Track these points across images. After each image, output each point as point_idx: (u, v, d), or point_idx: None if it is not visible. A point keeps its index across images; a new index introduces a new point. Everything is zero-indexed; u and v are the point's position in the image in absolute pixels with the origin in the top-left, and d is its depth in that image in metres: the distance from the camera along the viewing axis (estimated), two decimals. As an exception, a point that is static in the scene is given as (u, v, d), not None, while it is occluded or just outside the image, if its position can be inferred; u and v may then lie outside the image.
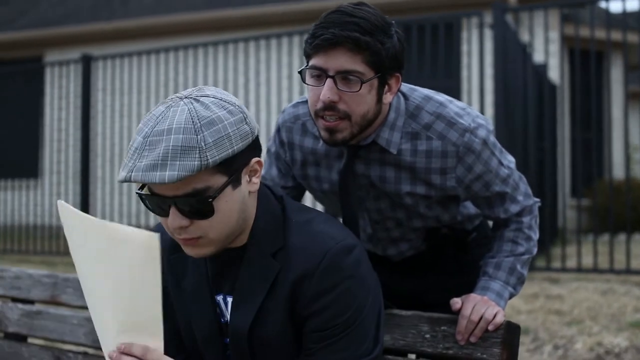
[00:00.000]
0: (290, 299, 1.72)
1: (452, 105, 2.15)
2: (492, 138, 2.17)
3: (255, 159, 1.70)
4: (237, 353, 1.79)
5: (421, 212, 2.24)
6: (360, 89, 1.95)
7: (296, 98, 9.78)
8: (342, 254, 1.72)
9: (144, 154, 1.57)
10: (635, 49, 12.80)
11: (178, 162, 1.54)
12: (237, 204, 1.68)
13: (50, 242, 10.37)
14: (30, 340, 2.81)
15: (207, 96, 1.64)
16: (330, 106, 1.96)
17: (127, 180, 1.57)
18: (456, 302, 2.08)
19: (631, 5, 31.84)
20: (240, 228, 1.73)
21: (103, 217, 10.37)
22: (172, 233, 1.70)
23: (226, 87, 9.84)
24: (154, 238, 1.53)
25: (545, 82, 8.97)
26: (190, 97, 1.63)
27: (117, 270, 1.59)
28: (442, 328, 2.10)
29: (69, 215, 1.67)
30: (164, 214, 1.67)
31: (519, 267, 2.23)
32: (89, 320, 2.59)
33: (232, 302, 1.78)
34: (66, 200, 9.92)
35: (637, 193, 9.39)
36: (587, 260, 7.61)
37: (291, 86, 9.10)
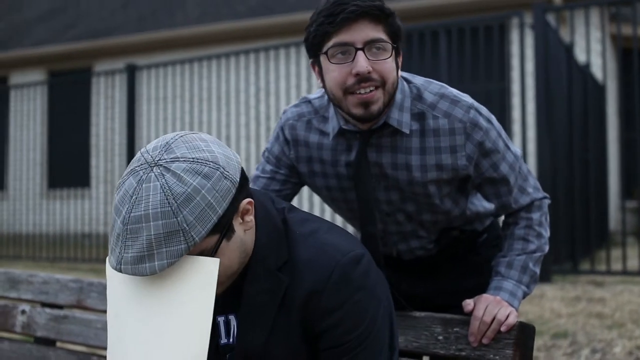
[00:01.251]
0: (301, 315, 1.69)
1: (451, 88, 2.18)
2: (496, 121, 2.18)
3: (244, 202, 1.64)
4: None
5: (431, 203, 2.22)
6: (390, 55, 2.01)
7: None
8: (351, 266, 1.69)
9: (127, 244, 1.52)
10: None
11: (164, 250, 1.50)
12: (236, 251, 1.65)
13: (98, 250, 10.53)
14: (58, 344, 2.84)
15: (178, 160, 1.55)
16: (366, 77, 1.99)
17: (119, 271, 1.54)
18: (468, 303, 2.07)
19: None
20: (244, 261, 1.70)
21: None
22: None
23: (268, 94, 9.88)
24: (214, 263, 1.53)
25: (589, 82, 8.84)
26: (160, 165, 1.54)
27: (167, 306, 1.56)
28: (455, 329, 2.08)
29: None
30: None
31: (531, 265, 2.20)
32: (112, 324, 2.62)
33: (239, 321, 1.73)
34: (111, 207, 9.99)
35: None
36: (633, 263, 7.48)
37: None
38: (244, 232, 1.67)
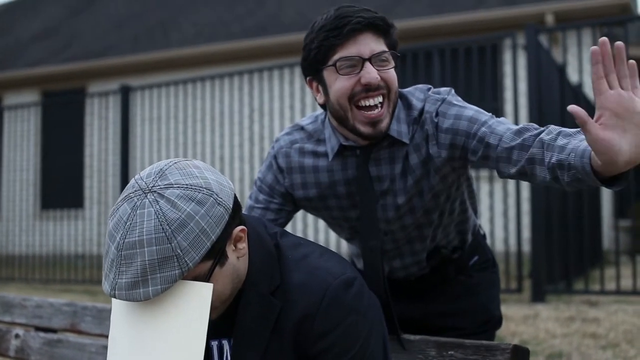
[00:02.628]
0: (294, 339, 1.70)
1: (435, 89, 2.23)
2: (466, 103, 2.16)
3: (237, 229, 1.66)
4: None
5: (426, 208, 2.22)
6: (395, 64, 2.08)
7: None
8: (343, 289, 1.70)
9: (121, 269, 1.53)
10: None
11: (158, 276, 1.51)
12: (229, 277, 1.66)
13: (92, 271, 10.50)
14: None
15: (172, 186, 1.57)
16: (376, 87, 2.04)
17: (113, 296, 1.55)
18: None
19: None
20: (237, 286, 1.71)
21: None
22: None
23: (262, 115, 9.91)
24: (208, 288, 1.54)
25: (582, 101, 8.88)
26: (154, 192, 1.56)
27: (161, 330, 1.56)
28: (450, 352, 2.08)
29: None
30: None
31: None
32: (106, 348, 2.61)
33: (233, 346, 1.74)
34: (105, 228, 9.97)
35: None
36: (627, 282, 7.48)
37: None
38: (237, 259, 1.68)
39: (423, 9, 13.84)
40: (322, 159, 2.23)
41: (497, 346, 2.01)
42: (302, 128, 2.30)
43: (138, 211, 1.54)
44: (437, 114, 2.12)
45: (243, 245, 1.69)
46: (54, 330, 2.83)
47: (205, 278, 1.59)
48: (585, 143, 1.71)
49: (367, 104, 2.04)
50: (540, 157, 1.85)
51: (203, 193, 1.58)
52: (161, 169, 1.62)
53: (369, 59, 2.02)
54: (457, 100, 2.15)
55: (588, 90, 10.60)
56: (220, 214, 1.58)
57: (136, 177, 1.63)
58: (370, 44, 2.03)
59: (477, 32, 12.40)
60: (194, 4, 17.14)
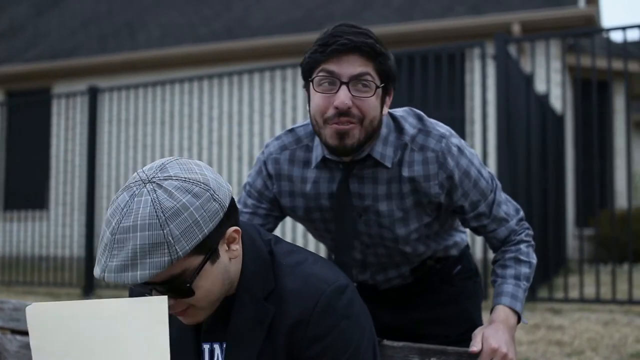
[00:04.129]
0: (287, 344, 1.73)
1: (427, 117, 2.25)
2: (469, 149, 2.24)
3: (231, 229, 1.70)
4: None
5: (406, 236, 2.27)
6: (374, 93, 2.05)
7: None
8: (336, 296, 1.73)
9: (113, 253, 1.56)
10: (637, 78, 12.84)
11: (148, 261, 1.54)
12: (219, 276, 1.69)
13: (55, 274, 10.40)
14: (28, 372, 2.82)
15: (171, 178, 1.62)
16: (345, 112, 2.03)
17: (102, 279, 1.58)
18: (475, 344, 2.04)
19: (631, 35, 31.90)
20: (227, 289, 1.73)
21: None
22: None
23: (230, 118, 9.91)
24: (162, 301, 1.55)
25: (548, 112, 9.00)
26: (154, 182, 1.61)
27: (118, 350, 1.55)
28: (432, 359, 2.12)
29: (46, 314, 1.60)
30: (150, 293, 1.68)
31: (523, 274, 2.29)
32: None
33: (226, 349, 1.77)
34: (72, 232, 9.89)
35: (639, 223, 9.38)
36: (590, 291, 7.60)
37: (295, 118, 9.15)
38: (229, 260, 1.71)
39: (391, 16, 13.92)
40: (310, 169, 2.25)
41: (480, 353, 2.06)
42: (292, 130, 2.32)
43: (135, 199, 1.59)
44: (447, 161, 2.15)
45: (236, 247, 1.72)
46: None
47: (195, 273, 1.62)
48: (506, 287, 2.23)
49: (337, 124, 2.06)
50: (494, 247, 2.35)
51: (200, 187, 1.62)
52: (162, 163, 1.67)
53: (347, 83, 2.02)
54: (468, 152, 2.22)
55: (554, 101, 10.75)
56: (215, 209, 1.63)
57: (138, 170, 1.68)
58: (353, 66, 2.03)
59: (444, 40, 12.50)
60: (159, 5, 17.07)
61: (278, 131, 10.27)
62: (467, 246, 2.62)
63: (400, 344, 2.16)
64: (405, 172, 2.17)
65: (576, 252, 10.85)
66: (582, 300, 7.03)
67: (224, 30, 15.15)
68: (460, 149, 2.19)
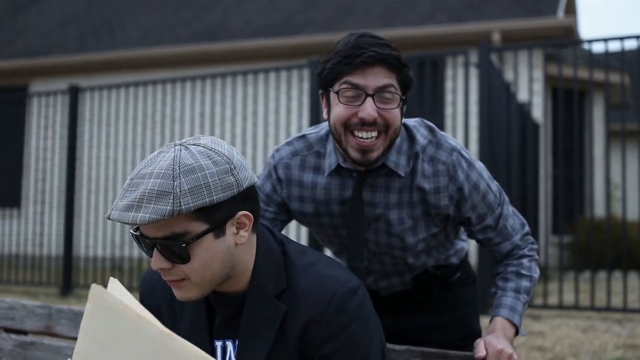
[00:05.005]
0: (299, 343, 1.75)
1: (438, 129, 2.28)
2: (479, 163, 2.29)
3: (242, 212, 1.71)
4: None
5: (414, 245, 2.31)
6: (399, 104, 2.09)
7: (282, 132, 9.97)
8: (348, 296, 1.75)
9: (126, 195, 1.63)
10: (616, 89, 13.01)
11: (152, 206, 1.59)
12: (220, 254, 1.70)
13: (32, 273, 10.32)
14: (22, 371, 2.82)
15: (198, 145, 1.69)
16: (371, 123, 2.06)
17: (108, 217, 1.63)
18: (480, 350, 2.08)
19: (613, 46, 32.32)
20: (227, 275, 1.74)
21: (86, 248, 10.35)
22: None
23: (212, 120, 9.91)
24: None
25: (528, 120, 9.09)
26: (183, 144, 1.68)
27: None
28: (434, 362, 2.15)
29: (107, 302, 1.56)
30: (150, 254, 1.71)
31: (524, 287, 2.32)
32: (83, 351, 2.62)
33: (238, 347, 1.79)
34: (47, 230, 9.77)
35: (618, 231, 9.49)
36: (569, 297, 7.69)
37: (278, 120, 9.17)
38: (235, 244, 1.73)
39: (372, 22, 13.97)
40: (321, 175, 2.28)
41: (482, 358, 2.10)
42: (303, 136, 2.34)
43: (161, 154, 1.68)
44: (457, 174, 2.19)
45: (245, 234, 1.74)
46: (25, 333, 2.81)
47: (195, 237, 1.65)
48: (505, 300, 2.25)
49: (361, 135, 2.09)
50: (497, 260, 2.37)
51: (222, 158, 1.68)
52: (197, 135, 1.76)
53: (372, 95, 2.05)
54: (478, 165, 2.27)
55: (535, 111, 10.85)
56: (229, 183, 1.67)
57: None
58: (378, 78, 2.06)
59: (424, 47, 12.58)
60: (138, 6, 17.00)
61: (261, 135, 10.29)
62: (466, 254, 2.66)
63: (403, 347, 2.18)
64: (416, 182, 2.21)
65: (553, 259, 10.95)
66: (561, 307, 7.11)
67: (204, 32, 15.13)
68: (470, 163, 2.23)
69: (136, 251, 11.44)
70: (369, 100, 2.05)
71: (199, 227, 1.65)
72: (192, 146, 1.68)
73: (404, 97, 2.11)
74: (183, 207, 1.60)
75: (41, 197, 11.14)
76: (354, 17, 14.36)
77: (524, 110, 9.49)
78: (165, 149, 1.69)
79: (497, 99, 7.81)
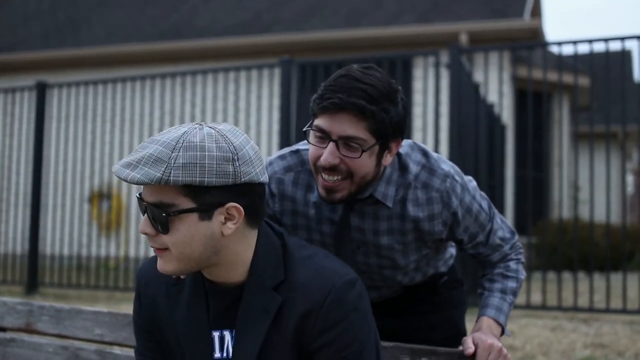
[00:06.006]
0: (296, 334, 1.77)
1: (432, 153, 2.27)
2: (472, 185, 2.30)
3: (233, 204, 1.72)
4: None
5: (405, 266, 2.35)
6: (360, 156, 2.03)
7: (252, 131, 9.96)
8: (347, 288, 1.77)
9: (132, 154, 1.70)
10: (582, 91, 13.17)
11: (145, 169, 1.65)
12: (202, 236, 1.72)
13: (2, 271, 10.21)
14: (2, 368, 2.79)
15: (213, 128, 1.73)
16: (331, 168, 2.04)
17: (113, 171, 1.69)
18: (469, 346, 2.10)
19: (581, 49, 32.59)
20: (210, 260, 1.76)
21: (52, 246, 10.24)
22: None
23: (182, 118, 9.87)
24: None
25: (495, 122, 9.18)
26: (200, 125, 1.74)
27: None
28: (423, 359, 2.17)
29: None
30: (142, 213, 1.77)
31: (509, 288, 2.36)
32: (64, 348, 2.61)
33: (235, 337, 1.81)
34: (12, 229, 9.60)
35: (583, 232, 9.61)
36: (536, 298, 7.78)
37: (248, 119, 9.16)
38: (222, 233, 1.74)
39: (339, 22, 14.01)
40: (313, 194, 2.27)
41: (471, 354, 2.12)
42: (297, 152, 2.32)
43: (179, 128, 1.73)
44: (451, 200, 2.20)
45: (232, 226, 1.74)
46: (3, 329, 2.79)
47: (178, 212, 1.69)
48: (492, 300, 2.31)
49: (324, 176, 2.08)
50: (484, 266, 2.42)
51: (229, 147, 1.70)
52: (223, 122, 1.81)
53: (336, 141, 2.02)
54: (471, 187, 2.29)
55: (498, 110, 10.95)
56: (227, 172, 1.69)
57: None
58: (344, 125, 2.00)
59: (392, 47, 12.64)
60: (104, 4, 16.87)
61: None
62: (452, 257, 2.69)
63: (391, 344, 2.20)
64: (408, 211, 2.21)
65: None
66: (528, 306, 7.19)
67: (171, 30, 15.06)
68: (463, 186, 2.24)
69: (103, 250, 11.36)
70: (331, 145, 2.02)
71: (185, 203, 1.69)
72: (207, 128, 1.72)
73: (371, 146, 2.04)
74: (171, 178, 1.64)
75: (6, 195, 11.00)
76: (321, 17, 14.39)
77: (491, 112, 9.58)
78: (186, 125, 1.75)
79: (466, 100, 7.88)
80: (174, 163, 1.64)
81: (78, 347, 2.59)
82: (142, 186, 1.73)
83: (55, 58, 14.69)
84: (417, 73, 9.95)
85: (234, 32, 14.26)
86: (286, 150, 2.35)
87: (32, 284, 9.37)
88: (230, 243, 1.76)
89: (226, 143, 1.70)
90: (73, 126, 10.57)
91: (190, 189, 1.67)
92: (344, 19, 14.13)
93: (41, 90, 9.78)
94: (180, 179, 1.64)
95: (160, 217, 1.69)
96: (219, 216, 1.72)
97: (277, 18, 14.66)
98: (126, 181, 1.66)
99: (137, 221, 10.54)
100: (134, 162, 1.66)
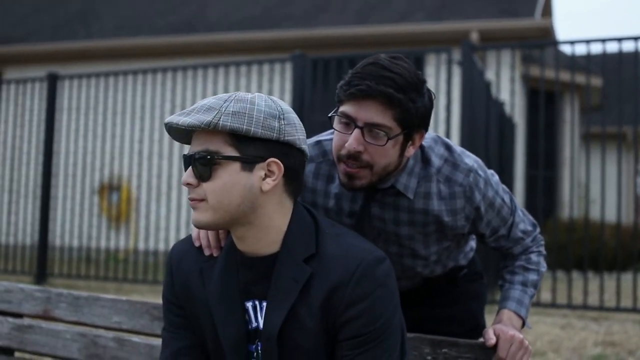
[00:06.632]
0: (323, 307, 1.79)
1: (456, 147, 2.27)
2: (495, 179, 2.29)
3: (273, 160, 1.80)
4: (268, 357, 1.84)
5: (425, 256, 2.35)
6: (385, 143, 2.03)
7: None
8: (375, 264, 1.81)
9: (190, 107, 1.81)
10: (593, 91, 13.14)
11: (197, 115, 1.76)
12: (241, 187, 1.79)
13: (6, 262, 10.22)
14: (19, 354, 2.80)
15: (271, 98, 1.85)
16: (354, 155, 2.04)
17: (166, 121, 1.79)
18: (491, 337, 2.11)
19: (593, 49, 32.61)
20: (245, 216, 1.81)
21: (62, 238, 10.25)
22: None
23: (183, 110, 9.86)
24: None
25: (505, 120, 9.16)
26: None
27: None
28: (444, 350, 2.17)
29: None
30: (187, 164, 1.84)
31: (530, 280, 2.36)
32: (82, 335, 2.62)
33: (266, 307, 1.84)
34: (17, 220, 9.61)
35: (593, 232, 9.60)
36: (545, 296, 7.77)
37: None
38: (260, 189, 1.80)
39: (349, 19, 14.00)
40: (333, 185, 2.28)
41: (493, 346, 2.12)
42: (319, 142, 2.32)
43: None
44: (474, 195, 2.20)
45: (271, 183, 1.81)
46: (21, 316, 2.80)
47: (223, 158, 1.77)
48: (513, 293, 2.31)
49: (347, 165, 2.08)
50: (505, 258, 2.43)
51: (277, 107, 1.82)
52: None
53: (362, 127, 2.02)
54: (494, 182, 2.28)
55: (510, 109, 10.92)
56: (272, 126, 1.79)
57: None
58: (370, 112, 2.01)
59: (402, 45, 12.62)
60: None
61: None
62: (473, 250, 2.68)
63: (412, 335, 2.20)
64: (431, 205, 2.21)
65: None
66: (538, 304, 7.18)
67: (181, 23, 15.06)
68: (486, 181, 2.24)
69: (112, 242, 11.37)
70: (356, 132, 2.02)
71: (230, 152, 1.77)
72: (271, 97, 1.85)
73: (397, 135, 2.04)
74: (221, 122, 1.74)
75: (16, 186, 11.01)
76: (330, 13, 14.38)
77: (502, 110, 9.56)
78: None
79: (477, 98, 7.87)
80: (225, 110, 1.75)
81: (96, 335, 2.60)
82: (188, 146, 1.85)
83: (65, 50, 14.69)
84: (429, 70, 9.91)
85: (243, 27, 14.26)
86: (311, 140, 2.34)
87: (41, 274, 9.39)
88: (267, 203, 1.82)
89: (274, 103, 1.82)
90: (83, 118, 10.59)
91: (236, 140, 1.77)
92: (353, 16, 14.12)
93: (52, 82, 9.79)
94: (228, 124, 1.74)
95: (205, 163, 1.77)
96: (259, 171, 1.80)
97: (287, 13, 14.65)
98: (178, 126, 1.75)
99: (146, 213, 10.53)
100: (187, 111, 1.77)
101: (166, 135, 10.83)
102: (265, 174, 1.80)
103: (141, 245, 11.03)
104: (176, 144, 10.42)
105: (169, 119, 1.78)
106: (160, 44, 14.16)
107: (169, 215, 9.78)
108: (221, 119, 1.74)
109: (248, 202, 1.80)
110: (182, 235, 9.07)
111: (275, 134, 1.79)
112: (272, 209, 1.83)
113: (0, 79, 13.96)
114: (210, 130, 1.76)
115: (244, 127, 1.75)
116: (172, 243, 8.93)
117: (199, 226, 1.83)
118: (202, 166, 1.78)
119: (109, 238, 10.21)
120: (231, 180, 1.78)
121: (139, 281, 9.26)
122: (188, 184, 1.81)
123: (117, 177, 12.46)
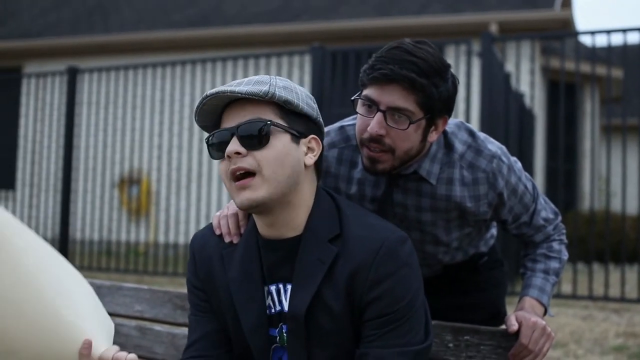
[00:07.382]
0: (347, 287, 1.79)
1: (479, 133, 2.26)
2: (518, 165, 2.28)
3: (313, 136, 1.86)
4: (294, 338, 1.84)
5: (447, 243, 2.34)
6: (407, 127, 2.02)
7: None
8: (399, 244, 1.81)
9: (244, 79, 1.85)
10: (615, 83, 13.06)
11: (250, 86, 1.79)
12: (292, 158, 1.81)
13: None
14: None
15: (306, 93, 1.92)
16: (376, 139, 2.04)
17: (215, 90, 1.80)
18: (513, 324, 2.11)
19: (614, 40, 32.42)
20: (290, 191, 1.82)
21: (82, 231, 10.31)
22: (228, 174, 1.81)
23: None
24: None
25: (525, 112, 9.13)
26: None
27: None
28: (465, 338, 2.16)
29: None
30: (224, 148, 1.80)
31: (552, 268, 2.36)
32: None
33: (292, 289, 1.84)
34: (38, 214, 9.68)
35: (613, 224, 9.56)
36: (566, 287, 7.75)
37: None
38: (304, 164, 1.84)
39: (368, 11, 13.97)
40: (356, 170, 2.28)
41: (514, 333, 2.12)
42: (342, 128, 2.32)
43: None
44: (498, 181, 2.20)
45: (312, 158, 1.87)
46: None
47: (276, 125, 1.80)
48: (535, 280, 2.32)
49: (370, 149, 2.08)
50: (527, 246, 2.43)
51: (313, 103, 1.91)
52: None
53: (384, 111, 2.01)
54: (517, 168, 2.28)
55: (529, 100, 10.90)
56: (312, 106, 1.89)
57: None
58: (393, 96, 2.00)
59: (421, 37, 12.48)
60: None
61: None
62: (493, 237, 2.68)
63: (433, 322, 2.19)
64: (454, 191, 2.21)
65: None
66: (559, 295, 7.16)
67: (199, 17, 15.07)
68: (509, 167, 2.23)
69: (132, 235, 11.43)
70: (378, 115, 2.02)
71: (281, 122, 1.81)
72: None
73: (419, 119, 2.04)
74: (276, 92, 1.79)
75: (37, 180, 11.09)
76: (350, 5, 14.34)
77: (522, 102, 9.52)
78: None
79: (497, 90, 7.84)
80: (275, 83, 1.82)
81: (118, 323, 2.60)
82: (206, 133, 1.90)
83: (85, 44, 14.74)
84: (448, 62, 9.89)
85: (262, 20, 14.25)
86: (331, 127, 2.34)
87: (62, 267, 9.43)
88: (305, 180, 1.86)
89: (312, 100, 1.90)
90: (103, 112, 10.64)
91: (285, 113, 1.82)
92: (373, 8, 14.08)
93: (72, 75, 9.84)
94: (283, 95, 1.80)
95: (260, 129, 1.78)
96: (303, 146, 1.85)
97: (306, 6, 14.63)
98: (234, 93, 1.77)
99: (166, 206, 10.58)
100: (236, 83, 1.80)
101: (185, 129, 10.86)
102: (307, 149, 1.86)
103: (161, 239, 11.08)
104: (195, 137, 10.46)
105: (216, 89, 1.79)
106: (179, 38, 14.18)
107: (189, 209, 9.83)
108: (276, 91, 1.79)
109: (295, 176, 1.82)
110: (202, 228, 9.09)
111: (314, 113, 1.88)
112: (307, 187, 1.86)
113: (21, 73, 14.11)
114: (263, 100, 1.79)
115: (295, 101, 1.82)
116: (191, 236, 8.97)
117: (254, 204, 1.79)
118: (256, 134, 1.77)
119: (129, 231, 10.25)
120: (285, 149, 1.80)
121: (159, 274, 9.31)
122: (237, 153, 1.77)
123: (136, 170, 12.51)
